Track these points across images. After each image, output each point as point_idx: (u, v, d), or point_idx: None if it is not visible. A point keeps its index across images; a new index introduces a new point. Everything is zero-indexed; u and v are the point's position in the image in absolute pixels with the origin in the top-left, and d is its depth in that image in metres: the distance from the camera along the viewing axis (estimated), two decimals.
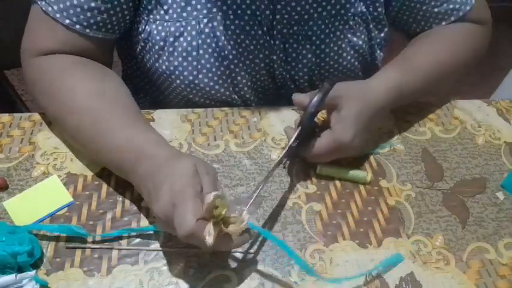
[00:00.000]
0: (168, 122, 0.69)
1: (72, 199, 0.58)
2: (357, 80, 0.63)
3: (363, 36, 0.71)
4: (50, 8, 0.60)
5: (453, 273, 0.54)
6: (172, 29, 0.65)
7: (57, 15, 0.60)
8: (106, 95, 0.59)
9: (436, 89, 0.73)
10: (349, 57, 0.71)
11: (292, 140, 0.56)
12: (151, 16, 0.65)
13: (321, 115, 0.68)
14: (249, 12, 0.65)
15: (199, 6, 0.64)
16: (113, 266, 0.52)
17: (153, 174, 0.49)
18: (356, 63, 0.73)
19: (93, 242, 0.54)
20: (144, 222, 0.56)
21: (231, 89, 0.70)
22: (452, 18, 0.73)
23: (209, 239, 0.42)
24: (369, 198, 0.61)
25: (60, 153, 0.63)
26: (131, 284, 0.51)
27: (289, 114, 0.71)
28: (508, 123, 0.73)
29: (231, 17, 0.65)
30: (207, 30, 0.65)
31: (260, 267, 0.53)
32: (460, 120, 0.73)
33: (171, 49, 0.66)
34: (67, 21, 0.60)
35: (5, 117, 0.68)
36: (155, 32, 0.65)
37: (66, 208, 0.57)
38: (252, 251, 0.54)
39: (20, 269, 0.49)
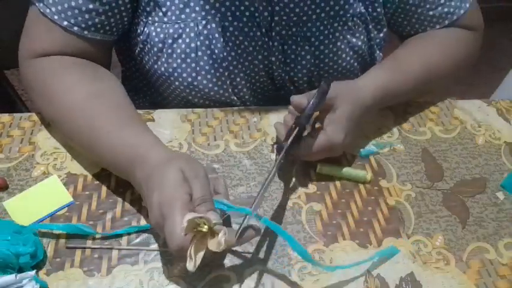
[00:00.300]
0: (168, 122, 0.69)
1: (72, 199, 0.58)
2: (347, 80, 0.63)
3: (362, 37, 0.71)
4: (48, 10, 0.60)
5: (453, 273, 0.54)
6: (171, 30, 0.64)
7: (55, 17, 0.60)
8: (102, 96, 0.59)
9: (425, 92, 0.74)
10: (348, 58, 0.71)
11: (290, 140, 0.56)
12: (149, 18, 0.65)
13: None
14: (247, 13, 0.65)
15: (197, 8, 0.64)
16: (113, 266, 0.52)
17: (145, 181, 0.49)
18: (355, 64, 0.73)
19: (93, 242, 0.54)
20: (144, 223, 0.56)
21: (230, 90, 0.70)
22: (446, 22, 0.73)
23: (189, 265, 0.43)
24: (369, 198, 0.61)
25: (60, 153, 0.63)
26: (131, 284, 0.51)
27: None
28: (508, 123, 0.73)
29: (230, 18, 0.64)
30: (205, 32, 0.65)
31: (260, 267, 0.53)
32: (460, 120, 0.73)
33: (169, 51, 0.66)
34: (65, 23, 0.60)
35: (5, 117, 0.68)
36: (154, 33, 0.65)
37: (66, 208, 0.57)
38: (252, 251, 0.54)
39: (21, 269, 0.49)
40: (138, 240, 0.55)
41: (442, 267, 0.54)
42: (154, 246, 0.54)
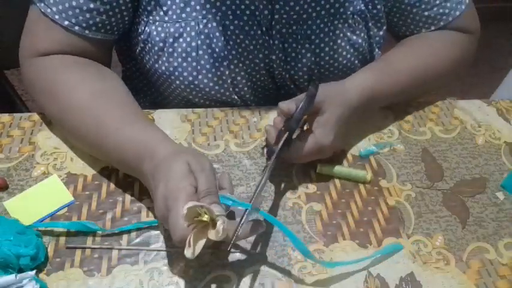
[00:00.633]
0: (168, 122, 0.69)
1: (72, 198, 0.58)
2: (333, 82, 0.63)
3: (362, 34, 0.71)
4: (48, 10, 0.60)
5: (453, 273, 0.54)
6: (172, 30, 0.65)
7: (56, 17, 0.60)
8: (107, 94, 0.59)
9: (418, 93, 0.74)
10: (348, 56, 0.71)
11: (280, 145, 0.56)
12: (150, 17, 0.65)
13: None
14: (247, 12, 0.65)
15: (198, 7, 0.64)
16: (113, 266, 0.52)
17: (153, 173, 0.49)
18: (356, 61, 0.73)
19: (93, 242, 0.54)
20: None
21: (230, 89, 0.70)
22: (442, 23, 0.73)
23: (187, 252, 0.43)
24: (369, 198, 0.61)
25: (60, 153, 0.63)
26: (131, 284, 0.51)
27: None
28: (508, 123, 0.73)
29: (230, 17, 0.65)
30: (206, 30, 0.65)
31: (260, 267, 0.53)
32: (460, 120, 0.73)
33: (170, 50, 0.66)
34: (66, 22, 0.60)
35: (5, 117, 0.68)
36: (155, 33, 0.65)
37: (66, 208, 0.57)
38: (252, 251, 0.54)
39: (21, 270, 0.49)
40: (138, 240, 0.55)
41: (442, 267, 0.54)
42: (154, 246, 0.54)
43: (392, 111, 0.73)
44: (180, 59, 0.66)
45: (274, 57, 0.69)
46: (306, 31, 0.68)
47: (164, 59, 0.67)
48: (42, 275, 0.51)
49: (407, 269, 0.54)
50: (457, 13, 0.72)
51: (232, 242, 0.47)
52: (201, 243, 0.44)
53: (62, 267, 0.51)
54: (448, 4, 0.71)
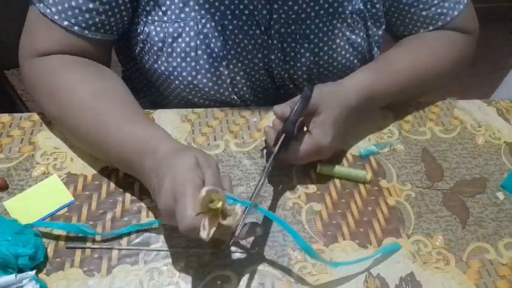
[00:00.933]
0: (168, 122, 0.69)
1: (72, 198, 0.58)
2: (330, 82, 0.63)
3: (361, 34, 0.71)
4: (48, 10, 0.60)
5: (453, 273, 0.54)
6: (171, 30, 0.65)
7: (56, 17, 0.60)
8: (107, 93, 0.59)
9: (416, 94, 0.74)
10: (347, 55, 0.71)
11: (277, 147, 0.56)
12: (149, 17, 0.65)
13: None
14: (246, 12, 0.65)
15: (197, 7, 0.64)
16: (113, 266, 0.52)
17: (157, 168, 0.49)
18: (355, 61, 0.73)
19: (93, 242, 0.54)
20: (146, 221, 0.56)
21: (229, 89, 0.70)
22: (440, 23, 0.73)
23: (203, 234, 0.43)
24: (369, 198, 0.61)
25: (60, 153, 0.63)
26: (131, 284, 0.51)
27: None
28: (508, 123, 0.73)
29: (229, 17, 0.65)
30: (205, 30, 0.65)
31: (260, 267, 0.53)
32: (460, 120, 0.73)
33: (169, 50, 0.66)
34: (65, 22, 0.60)
35: (5, 117, 0.68)
36: (154, 33, 0.65)
37: (66, 208, 0.57)
38: (252, 251, 0.54)
39: (21, 270, 0.49)
40: (138, 240, 0.55)
41: (442, 267, 0.54)
42: (154, 246, 0.54)
43: (392, 111, 0.73)
44: (179, 59, 0.66)
45: (273, 57, 0.69)
46: (304, 31, 0.68)
47: (163, 59, 0.67)
48: (42, 275, 0.51)
49: (407, 269, 0.54)
50: (455, 13, 0.72)
51: (231, 241, 0.47)
52: (213, 230, 0.44)
53: (62, 267, 0.51)
54: (446, 4, 0.71)
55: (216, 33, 0.65)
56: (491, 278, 0.53)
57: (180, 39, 0.65)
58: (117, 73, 0.66)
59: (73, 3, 0.59)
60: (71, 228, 0.54)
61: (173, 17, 0.64)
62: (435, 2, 0.71)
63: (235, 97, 0.72)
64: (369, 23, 0.71)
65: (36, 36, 0.62)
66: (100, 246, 0.54)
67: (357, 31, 0.70)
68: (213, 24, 0.65)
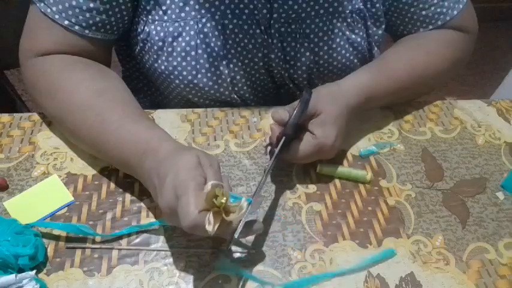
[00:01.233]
0: (168, 122, 0.69)
1: (72, 198, 0.58)
2: (329, 83, 0.63)
3: (361, 33, 0.71)
4: (48, 10, 0.60)
5: (453, 273, 0.54)
6: (171, 29, 0.65)
7: (56, 17, 0.60)
8: (107, 93, 0.59)
9: (412, 94, 0.74)
10: (347, 55, 0.71)
11: (279, 148, 0.56)
12: (150, 17, 0.65)
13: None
14: (246, 11, 0.65)
15: (197, 7, 0.64)
16: (113, 266, 0.52)
17: (158, 168, 0.49)
18: (355, 60, 0.73)
19: (93, 242, 0.54)
20: (144, 222, 0.56)
21: (229, 88, 0.70)
22: (439, 23, 0.73)
23: (209, 227, 0.43)
24: (369, 198, 0.61)
25: (60, 153, 0.63)
26: (131, 284, 0.51)
27: None
28: (508, 123, 0.73)
29: (229, 16, 0.65)
30: (205, 30, 0.65)
31: (260, 267, 0.53)
32: (460, 120, 0.73)
33: (169, 49, 0.66)
34: (66, 22, 0.60)
35: (5, 117, 0.68)
36: (154, 32, 0.65)
37: (66, 208, 0.57)
38: (252, 251, 0.54)
39: (21, 270, 0.49)
40: (138, 240, 0.55)
41: (442, 267, 0.54)
42: (154, 246, 0.54)
43: (392, 111, 0.73)
44: (179, 58, 0.66)
45: (273, 56, 0.69)
46: (304, 30, 0.68)
47: (163, 58, 0.67)
48: (42, 275, 0.51)
49: (407, 269, 0.54)
50: (455, 12, 0.72)
51: (232, 240, 0.47)
52: (217, 225, 0.44)
53: (62, 267, 0.51)
54: (446, 3, 0.71)
55: (216, 33, 0.65)
56: (491, 278, 0.53)
57: (180, 39, 0.65)
58: (117, 73, 0.66)
59: (73, 3, 0.59)
60: (71, 228, 0.54)
61: (173, 16, 0.64)
62: (435, 1, 0.71)
63: (235, 96, 0.72)
64: (369, 23, 0.71)
65: (37, 35, 0.62)
66: (100, 246, 0.54)
67: (356, 30, 0.70)
68: (213, 23, 0.65)
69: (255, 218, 0.55)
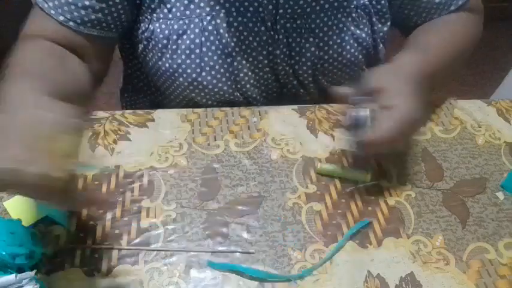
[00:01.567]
0: (168, 122, 0.69)
1: None
2: (382, 65, 0.60)
3: (366, 29, 0.71)
4: (46, 5, 0.61)
5: (453, 273, 0.54)
6: (176, 26, 0.65)
7: (52, 12, 0.61)
8: (55, 67, 0.58)
9: (450, 75, 0.75)
10: (352, 50, 0.72)
11: (368, 122, 0.53)
12: (154, 15, 0.65)
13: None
14: (251, 9, 0.65)
15: (202, 4, 0.64)
16: (113, 266, 0.52)
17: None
18: (360, 56, 0.73)
19: (93, 242, 0.54)
20: (145, 222, 0.56)
21: (233, 86, 0.70)
22: (452, 8, 0.74)
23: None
24: (368, 198, 0.61)
25: None
26: (131, 284, 0.51)
27: (289, 114, 0.71)
28: (508, 123, 0.73)
29: (234, 14, 0.65)
30: (210, 27, 0.65)
31: (260, 267, 0.53)
32: (460, 120, 0.73)
33: (174, 47, 0.66)
34: (61, 17, 0.61)
35: None
36: (158, 30, 0.66)
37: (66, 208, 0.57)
38: (252, 251, 0.54)
39: (21, 270, 0.49)
40: (138, 240, 0.55)
41: (442, 267, 0.54)
42: (154, 246, 0.54)
43: None
44: (183, 56, 0.67)
45: (278, 52, 0.69)
46: (310, 25, 0.68)
47: (168, 56, 0.67)
48: (42, 275, 0.51)
49: (407, 269, 0.54)
50: None
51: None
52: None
53: (62, 267, 0.51)
54: None
55: (221, 30, 0.65)
56: (491, 278, 0.53)
57: (185, 36, 0.65)
58: (117, 72, 0.66)
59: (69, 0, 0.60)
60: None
61: (178, 14, 0.64)
62: None
63: (238, 94, 0.72)
64: (374, 19, 0.72)
65: (31, 28, 0.63)
66: (100, 246, 0.54)
67: (361, 26, 0.71)
68: (218, 21, 0.65)
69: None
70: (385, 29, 0.74)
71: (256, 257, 0.54)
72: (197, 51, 0.66)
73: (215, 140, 0.67)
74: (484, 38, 0.79)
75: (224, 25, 0.65)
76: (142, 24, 0.67)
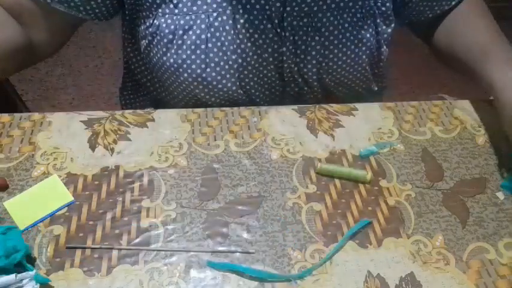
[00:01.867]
0: (168, 122, 0.69)
1: (72, 198, 0.58)
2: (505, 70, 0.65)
3: (370, 30, 0.72)
4: None
5: (453, 273, 0.54)
6: (182, 22, 0.65)
7: None
8: None
9: None
10: (356, 50, 0.72)
11: None
12: (159, 10, 0.66)
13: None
14: (258, 6, 0.65)
15: (208, 1, 0.65)
16: (113, 266, 0.52)
17: None
18: (363, 56, 0.74)
19: (93, 242, 0.54)
20: (144, 222, 0.56)
21: (237, 83, 0.71)
22: None
23: None
24: (369, 198, 0.61)
25: (60, 153, 0.63)
26: (131, 284, 0.51)
27: (289, 114, 0.71)
28: None
29: (241, 11, 0.65)
30: (216, 24, 0.65)
31: (260, 267, 0.53)
32: (460, 120, 0.73)
33: (179, 42, 0.66)
34: None
35: (5, 117, 0.68)
36: (164, 25, 0.66)
37: (66, 208, 0.57)
38: (252, 251, 0.54)
39: (21, 270, 0.49)
40: (138, 240, 0.55)
41: (442, 267, 0.54)
42: (154, 246, 0.54)
43: (392, 111, 0.73)
44: (188, 51, 0.67)
45: (284, 49, 0.70)
46: (316, 23, 0.69)
47: (173, 51, 0.67)
48: (42, 275, 0.50)
49: (407, 269, 0.54)
50: None
51: None
52: None
53: (62, 267, 0.51)
54: None
55: (227, 27, 0.66)
56: (491, 278, 0.53)
57: (190, 32, 0.66)
58: (117, 72, 0.67)
59: None
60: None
61: (185, 9, 0.65)
62: None
63: (241, 91, 0.72)
64: (378, 20, 0.72)
65: None
66: (100, 246, 0.54)
67: (365, 27, 0.71)
68: (224, 17, 0.65)
69: None
70: (389, 30, 0.75)
71: (256, 257, 0.54)
72: (202, 47, 0.66)
73: (215, 140, 0.67)
74: None
75: (230, 22, 0.65)
76: (146, 20, 0.67)
